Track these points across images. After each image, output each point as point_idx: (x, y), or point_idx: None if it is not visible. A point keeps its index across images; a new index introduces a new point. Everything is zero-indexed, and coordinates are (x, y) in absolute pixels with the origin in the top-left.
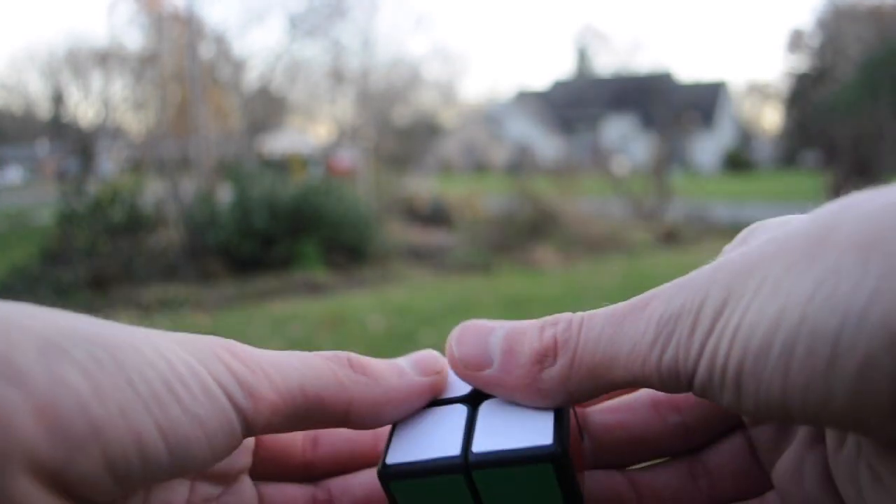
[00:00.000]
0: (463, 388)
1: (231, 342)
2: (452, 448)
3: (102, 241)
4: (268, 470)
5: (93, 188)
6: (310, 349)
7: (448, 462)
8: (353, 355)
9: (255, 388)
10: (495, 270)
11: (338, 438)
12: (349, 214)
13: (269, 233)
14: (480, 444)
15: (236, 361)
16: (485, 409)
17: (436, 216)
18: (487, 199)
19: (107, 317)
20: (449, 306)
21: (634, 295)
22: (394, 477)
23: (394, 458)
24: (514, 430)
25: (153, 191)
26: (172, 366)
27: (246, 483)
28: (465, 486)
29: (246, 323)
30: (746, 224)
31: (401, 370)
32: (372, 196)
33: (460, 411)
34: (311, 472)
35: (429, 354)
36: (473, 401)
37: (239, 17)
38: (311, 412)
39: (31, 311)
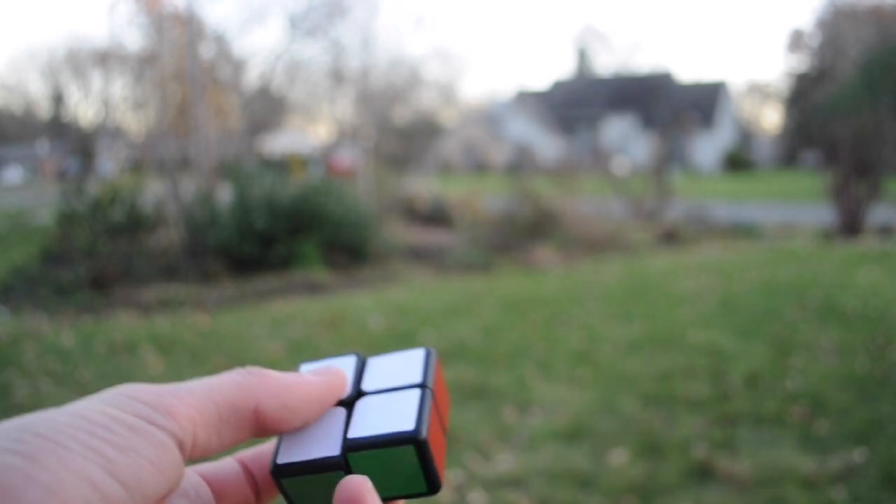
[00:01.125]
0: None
1: (134, 384)
2: (334, 448)
3: (102, 241)
4: None
5: (93, 188)
6: (310, 349)
7: (330, 461)
8: (253, 367)
9: (169, 406)
10: (495, 270)
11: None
12: (349, 214)
13: (269, 233)
14: (354, 431)
15: (144, 394)
16: (359, 405)
17: (436, 216)
18: (487, 199)
19: (107, 317)
20: (449, 306)
21: (634, 295)
22: (284, 474)
23: (284, 458)
24: (383, 419)
25: (153, 191)
26: (89, 418)
27: None
28: (345, 475)
29: (246, 323)
30: (746, 224)
31: (298, 373)
32: (372, 196)
33: (339, 413)
34: None
35: (325, 364)
36: (352, 403)
37: (239, 17)
38: (226, 418)
39: None
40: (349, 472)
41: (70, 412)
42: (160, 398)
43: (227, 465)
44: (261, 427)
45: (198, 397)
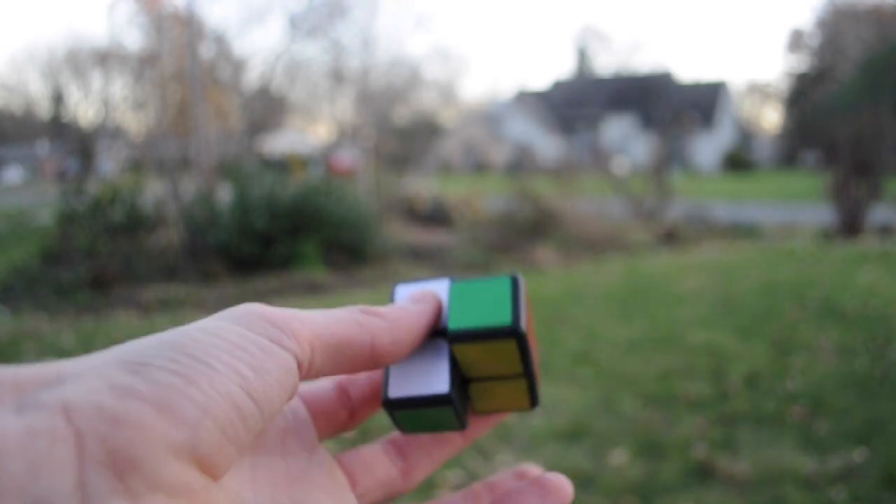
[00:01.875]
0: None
1: (261, 305)
2: (443, 385)
3: (102, 241)
4: None
5: (93, 188)
6: None
7: (441, 398)
8: (365, 306)
9: (295, 329)
10: (495, 270)
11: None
12: (349, 214)
13: (269, 233)
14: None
15: (273, 315)
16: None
17: (436, 216)
18: (487, 199)
19: (107, 317)
20: None
21: (634, 295)
22: (396, 406)
23: (395, 391)
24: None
25: (153, 191)
26: (227, 339)
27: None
28: (452, 409)
29: None
30: (746, 224)
31: (402, 305)
32: (372, 196)
33: (441, 344)
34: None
35: (420, 290)
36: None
37: (239, 17)
38: (342, 349)
39: (96, 354)
40: (455, 404)
41: (208, 331)
42: (287, 321)
43: (325, 387)
44: (373, 361)
45: (320, 325)
